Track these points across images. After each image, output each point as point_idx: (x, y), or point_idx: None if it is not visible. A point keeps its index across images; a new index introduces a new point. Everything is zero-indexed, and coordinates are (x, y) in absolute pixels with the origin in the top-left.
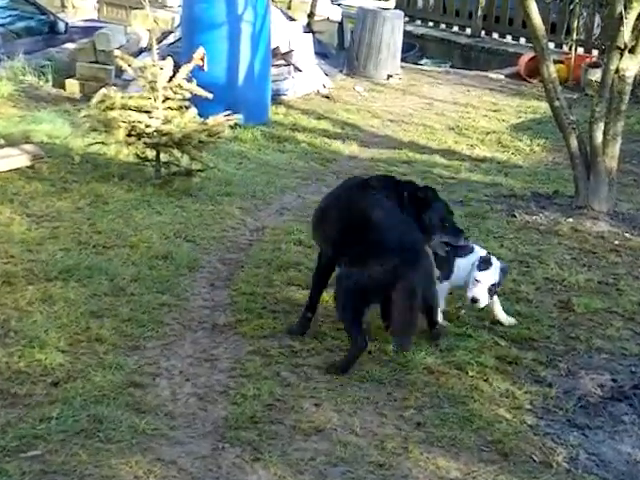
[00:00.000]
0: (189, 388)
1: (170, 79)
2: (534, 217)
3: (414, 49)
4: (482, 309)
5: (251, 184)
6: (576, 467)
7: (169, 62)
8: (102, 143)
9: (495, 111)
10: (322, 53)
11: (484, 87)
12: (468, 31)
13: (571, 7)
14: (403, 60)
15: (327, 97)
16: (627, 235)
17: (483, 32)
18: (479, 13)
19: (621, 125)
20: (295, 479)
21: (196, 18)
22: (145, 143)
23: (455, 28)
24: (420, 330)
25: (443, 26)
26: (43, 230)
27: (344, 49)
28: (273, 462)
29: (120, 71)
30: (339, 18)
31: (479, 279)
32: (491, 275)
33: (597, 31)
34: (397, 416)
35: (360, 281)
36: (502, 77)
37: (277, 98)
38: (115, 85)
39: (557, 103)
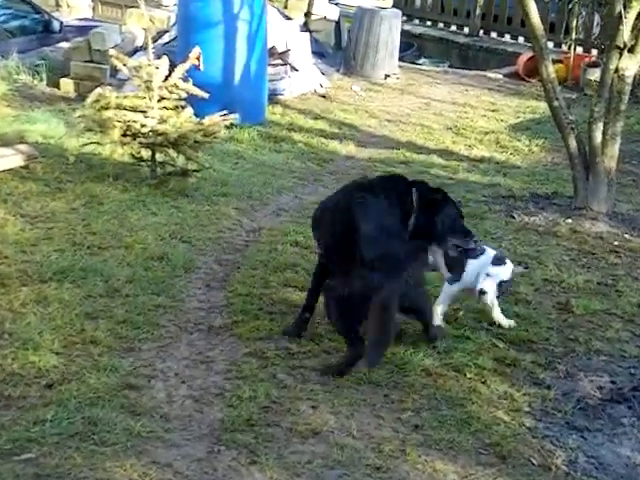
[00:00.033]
0: (185, 390)
1: (166, 78)
2: (533, 218)
3: (412, 48)
4: (480, 312)
5: (247, 184)
6: (575, 470)
7: (165, 61)
8: (97, 143)
9: (493, 111)
10: (319, 52)
11: (482, 87)
12: (466, 30)
13: (570, 6)
14: (401, 59)
15: (324, 97)
16: (626, 236)
17: (481, 31)
18: (477, 12)
19: (620, 125)
20: None
21: (192, 17)
22: (140, 143)
23: (453, 27)
24: (417, 332)
25: (441, 25)
26: (37, 231)
27: (341, 48)
28: (269, 465)
29: (115, 70)
30: (336, 17)
31: (490, 273)
32: (503, 271)
33: (596, 30)
34: (394, 418)
35: (343, 295)
36: (500, 77)
37: (274, 98)
38: (110, 84)
39: (556, 103)
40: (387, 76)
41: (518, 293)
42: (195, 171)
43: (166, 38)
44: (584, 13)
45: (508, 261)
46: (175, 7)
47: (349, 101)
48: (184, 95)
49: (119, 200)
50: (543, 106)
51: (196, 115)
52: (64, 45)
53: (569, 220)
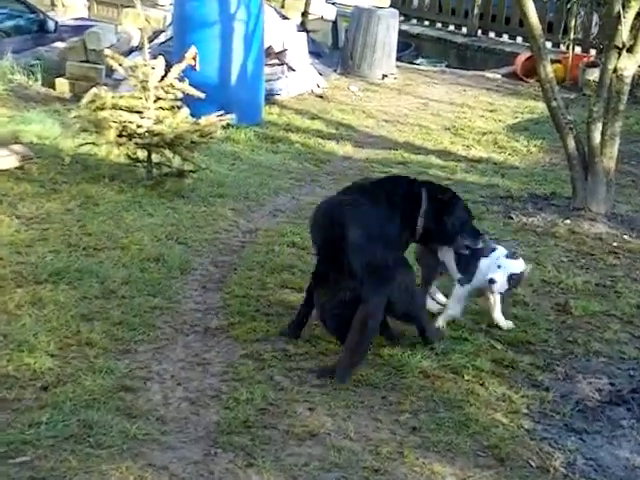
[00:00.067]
0: (181, 392)
1: (162, 79)
2: (531, 219)
3: (409, 48)
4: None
5: (244, 185)
6: (573, 472)
7: (160, 61)
8: (92, 144)
9: (491, 111)
10: (316, 52)
11: (480, 87)
12: (464, 30)
13: (568, 6)
14: (398, 59)
15: (321, 97)
16: (625, 237)
17: (479, 31)
18: (475, 12)
19: (619, 125)
20: None
21: (188, 17)
22: (136, 144)
23: (451, 27)
24: (414, 334)
25: (439, 25)
26: (32, 232)
27: (338, 48)
28: (266, 467)
29: (111, 70)
30: (333, 17)
31: (502, 265)
32: (514, 264)
33: (595, 30)
34: (392, 420)
35: (333, 302)
36: (499, 77)
37: (270, 98)
38: (106, 85)
39: (554, 103)
40: (385, 76)
41: (516, 294)
42: (191, 172)
43: (162, 38)
44: (582, 13)
45: (520, 258)
46: (171, 7)
47: (346, 101)
48: (180, 95)
49: (115, 201)
50: (541, 106)
51: (192, 115)
52: (59, 45)
53: (567, 221)
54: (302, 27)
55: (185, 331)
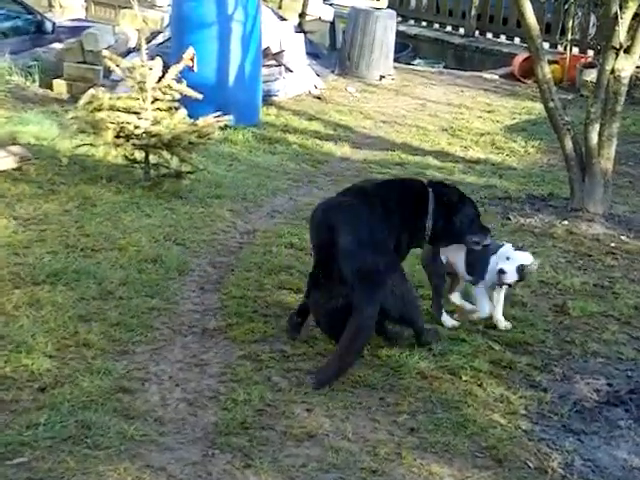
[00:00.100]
0: (179, 393)
1: (159, 80)
2: (529, 219)
3: (407, 49)
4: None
5: (242, 186)
6: (571, 473)
7: (158, 62)
8: (90, 145)
9: (489, 112)
10: (314, 53)
11: (478, 88)
12: (462, 31)
13: (566, 7)
14: (396, 60)
15: (319, 98)
16: (623, 238)
17: (477, 32)
18: (473, 13)
19: (617, 126)
20: None
21: (185, 18)
22: (134, 144)
23: (448, 28)
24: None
25: (436, 26)
26: (30, 233)
27: (336, 49)
28: (264, 468)
29: (108, 71)
30: (331, 18)
31: (510, 256)
32: (523, 256)
33: (592, 31)
34: (390, 421)
35: (326, 307)
36: (496, 77)
37: (268, 99)
38: (103, 86)
39: (552, 104)
40: (382, 77)
41: (514, 295)
42: (189, 173)
43: (160, 39)
44: (580, 14)
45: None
46: (169, 8)
47: (344, 102)
48: (178, 96)
49: (112, 202)
50: (539, 107)
51: (190, 116)
52: (57, 46)
53: (565, 222)
54: (299, 28)
55: (183, 332)
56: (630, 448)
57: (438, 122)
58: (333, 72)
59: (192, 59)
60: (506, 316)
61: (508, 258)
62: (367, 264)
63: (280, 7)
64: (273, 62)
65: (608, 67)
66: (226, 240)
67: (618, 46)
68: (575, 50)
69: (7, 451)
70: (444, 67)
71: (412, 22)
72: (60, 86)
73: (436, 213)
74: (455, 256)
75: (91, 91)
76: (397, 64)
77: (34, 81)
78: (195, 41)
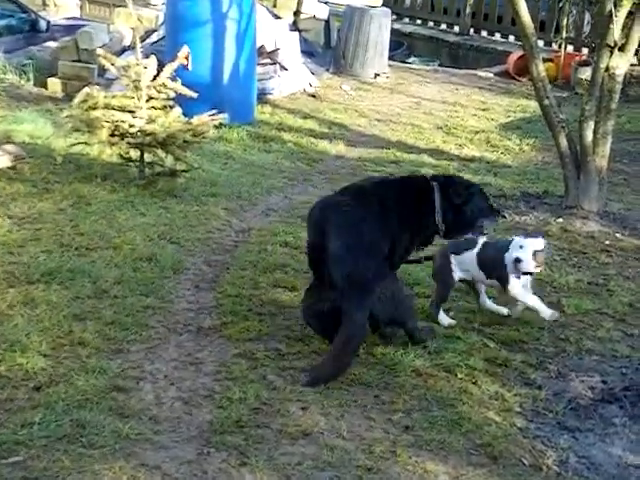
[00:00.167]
0: (174, 392)
1: (154, 78)
2: (523, 217)
3: (402, 47)
4: (471, 312)
5: (237, 185)
6: (566, 470)
7: (153, 61)
8: (85, 143)
9: (484, 110)
10: (308, 51)
11: (473, 86)
12: (456, 29)
13: (560, 5)
14: (391, 58)
15: (313, 96)
16: (617, 235)
17: (472, 30)
18: (467, 11)
19: (611, 124)
20: None
21: (180, 16)
22: (129, 143)
23: (443, 26)
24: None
25: (431, 24)
26: (25, 232)
27: (331, 47)
28: (259, 467)
29: (103, 70)
30: (326, 16)
31: (523, 244)
32: (536, 242)
33: (587, 29)
34: (385, 419)
35: (319, 310)
36: (491, 75)
37: (263, 97)
38: (98, 84)
39: (546, 102)
40: (377, 75)
41: None
42: (184, 171)
43: (154, 37)
44: (575, 12)
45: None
46: (163, 6)
47: (339, 100)
48: (172, 95)
49: (107, 201)
50: (534, 105)
51: (185, 115)
52: (51, 44)
53: (560, 219)
54: (294, 26)
55: (178, 330)
56: (625, 445)
57: (433, 120)
58: (328, 70)
59: (187, 57)
60: (500, 314)
61: (521, 247)
62: (358, 269)
63: (275, 5)
64: (268, 60)
65: (603, 65)
66: (221, 238)
67: (612, 44)
68: (570, 48)
69: (2, 450)
70: (439, 65)
71: (407, 20)
72: (55, 85)
73: (444, 206)
74: (469, 263)
75: (86, 89)
76: (392, 62)
77: (28, 80)
78: (190, 39)
